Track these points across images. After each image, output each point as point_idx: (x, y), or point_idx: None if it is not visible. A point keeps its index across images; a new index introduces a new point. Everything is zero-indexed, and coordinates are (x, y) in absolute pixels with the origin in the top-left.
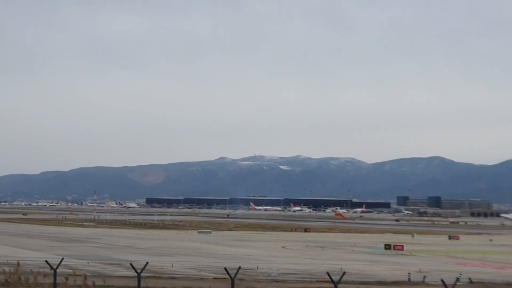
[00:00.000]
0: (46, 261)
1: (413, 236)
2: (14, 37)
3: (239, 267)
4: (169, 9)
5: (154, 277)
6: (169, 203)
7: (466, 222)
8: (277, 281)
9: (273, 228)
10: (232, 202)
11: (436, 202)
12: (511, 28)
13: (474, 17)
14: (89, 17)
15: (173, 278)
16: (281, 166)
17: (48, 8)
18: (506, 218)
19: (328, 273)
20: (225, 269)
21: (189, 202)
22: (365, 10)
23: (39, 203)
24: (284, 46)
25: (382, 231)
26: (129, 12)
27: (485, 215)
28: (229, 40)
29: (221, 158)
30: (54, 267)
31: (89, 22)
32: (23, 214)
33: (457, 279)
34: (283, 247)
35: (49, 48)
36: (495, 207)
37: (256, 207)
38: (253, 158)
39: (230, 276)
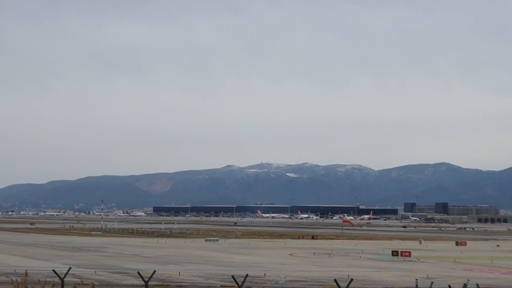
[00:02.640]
0: (53, 270)
1: (420, 243)
2: (20, 47)
3: (247, 275)
4: (174, 17)
5: (162, 285)
6: (176, 211)
7: (473, 228)
8: None
9: (280, 236)
10: (239, 210)
11: (443, 208)
12: None
13: (482, 23)
14: (94, 26)
15: (180, 286)
16: (288, 174)
17: (53, 18)
18: None
19: (335, 280)
20: (233, 277)
21: (196, 210)
22: (372, 16)
23: (47, 213)
24: (289, 53)
25: (390, 238)
26: (135, 20)
27: (492, 220)
28: (234, 48)
29: (228, 166)
30: (62, 276)
31: (94, 31)
32: (30, 224)
33: (465, 285)
34: (290, 254)
35: (56, 57)
36: (502, 212)
37: (263, 215)
38: (260, 165)
39: (237, 284)
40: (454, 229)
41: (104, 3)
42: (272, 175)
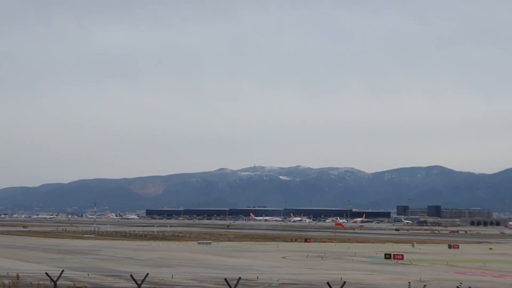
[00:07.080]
0: (46, 273)
1: (413, 246)
2: (8, 51)
3: (239, 278)
4: (164, 22)
5: None
6: (169, 214)
7: (466, 231)
8: None
9: (273, 239)
10: (232, 213)
11: (436, 211)
12: (509, 38)
13: (473, 27)
14: (84, 31)
15: None
16: (281, 177)
17: (43, 22)
18: None
19: (328, 283)
20: (226, 280)
21: (189, 213)
22: (362, 20)
23: (39, 216)
24: (281, 57)
25: (382, 241)
26: (125, 25)
27: (485, 223)
28: (225, 52)
29: (221, 169)
30: (54, 279)
31: (84, 36)
32: (23, 227)
33: None
34: (283, 257)
35: (47, 61)
36: (495, 215)
37: (256, 218)
38: (253, 168)
39: (230, 287)
40: (447, 232)
41: (93, 8)
42: (265, 178)
